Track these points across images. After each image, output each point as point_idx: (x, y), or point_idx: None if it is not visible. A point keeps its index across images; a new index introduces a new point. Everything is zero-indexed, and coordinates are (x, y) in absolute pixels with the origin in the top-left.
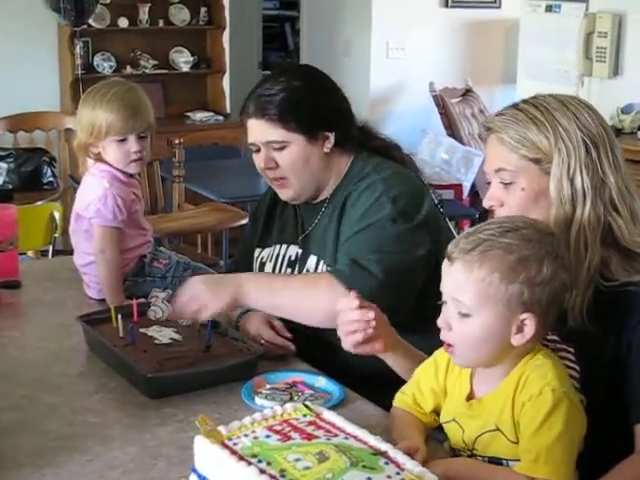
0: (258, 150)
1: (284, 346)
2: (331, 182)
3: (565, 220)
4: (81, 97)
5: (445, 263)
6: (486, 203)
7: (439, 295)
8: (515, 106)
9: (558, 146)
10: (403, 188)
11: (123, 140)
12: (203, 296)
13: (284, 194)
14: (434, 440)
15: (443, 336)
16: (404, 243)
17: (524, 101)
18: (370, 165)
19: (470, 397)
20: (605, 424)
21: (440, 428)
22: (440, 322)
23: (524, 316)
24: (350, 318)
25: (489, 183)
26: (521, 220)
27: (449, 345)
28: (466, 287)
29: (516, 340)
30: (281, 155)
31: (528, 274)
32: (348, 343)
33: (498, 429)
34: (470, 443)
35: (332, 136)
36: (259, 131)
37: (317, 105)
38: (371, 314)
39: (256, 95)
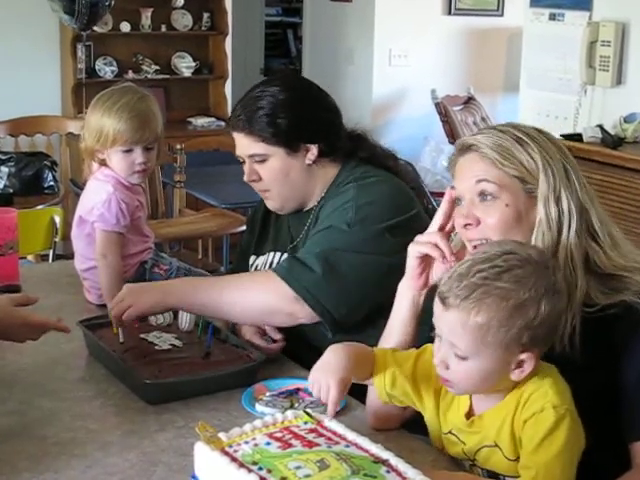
0: (244, 162)
1: (275, 348)
2: (317, 192)
3: (552, 244)
4: (83, 101)
5: (438, 305)
6: (461, 221)
7: None
8: (494, 127)
9: (544, 166)
10: (376, 197)
11: (129, 151)
12: (128, 298)
13: (269, 205)
14: (427, 444)
15: (441, 373)
16: (355, 246)
17: (501, 125)
18: (356, 174)
19: (470, 414)
20: (602, 451)
21: (422, 429)
22: (437, 361)
23: (523, 356)
24: None
25: (458, 203)
26: (515, 257)
27: (446, 380)
28: (463, 335)
29: (515, 375)
30: (262, 168)
31: (526, 318)
32: None
33: (496, 445)
34: (471, 454)
35: (315, 148)
36: (242, 144)
37: (297, 118)
38: None
39: (239, 108)
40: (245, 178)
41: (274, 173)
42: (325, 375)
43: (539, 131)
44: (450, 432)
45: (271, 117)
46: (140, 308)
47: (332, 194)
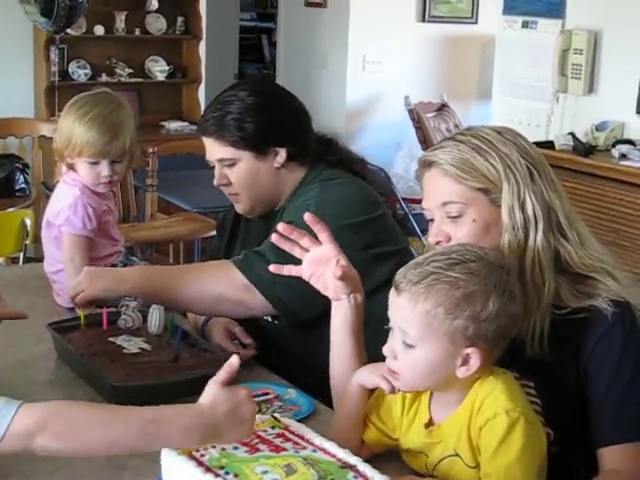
0: (214, 166)
1: (246, 354)
2: (285, 195)
3: (519, 248)
4: (56, 103)
5: (392, 292)
6: (432, 239)
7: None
8: (453, 138)
9: (506, 174)
10: (338, 196)
11: (95, 163)
12: (83, 281)
13: (239, 208)
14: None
15: (388, 363)
16: None
17: (460, 133)
18: (322, 176)
19: (429, 424)
20: (574, 453)
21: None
22: (385, 350)
23: (469, 350)
24: None
25: (431, 220)
26: (471, 252)
27: (394, 372)
28: (411, 319)
29: (461, 372)
30: (231, 172)
31: (473, 310)
32: None
33: (457, 454)
34: (431, 468)
35: (283, 151)
36: (211, 149)
37: (265, 122)
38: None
39: (208, 112)
40: (215, 182)
41: (242, 177)
42: (376, 367)
43: (499, 133)
44: (408, 449)
45: (239, 122)
46: (92, 293)
47: (297, 195)
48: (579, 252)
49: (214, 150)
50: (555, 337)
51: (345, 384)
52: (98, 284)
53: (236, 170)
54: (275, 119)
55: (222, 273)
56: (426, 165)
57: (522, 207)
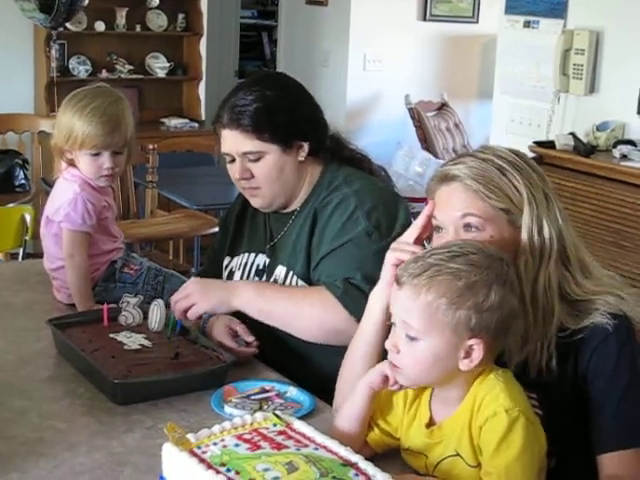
0: (233, 160)
1: (247, 351)
2: (302, 192)
3: (534, 272)
4: (56, 99)
5: (394, 287)
6: None
7: None
8: (474, 155)
9: (529, 198)
10: (376, 201)
11: (97, 154)
12: (194, 295)
13: (256, 202)
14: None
15: (391, 358)
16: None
17: (481, 151)
18: (340, 177)
19: (430, 423)
20: (575, 463)
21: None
22: (388, 344)
23: (472, 342)
24: None
25: (437, 231)
26: (470, 245)
27: (396, 367)
28: (414, 311)
29: (464, 365)
30: (256, 166)
31: (476, 300)
32: None
33: (458, 454)
34: (431, 468)
35: (306, 145)
36: (234, 142)
37: (291, 114)
38: None
39: (230, 105)
40: (236, 176)
41: (268, 170)
42: (382, 364)
43: (518, 155)
44: (409, 448)
45: (266, 114)
46: (205, 306)
47: (319, 197)
48: (579, 280)
49: (237, 143)
50: (556, 358)
51: (363, 362)
52: (211, 297)
53: (262, 164)
54: (301, 113)
55: (334, 312)
56: (447, 179)
57: (540, 231)
